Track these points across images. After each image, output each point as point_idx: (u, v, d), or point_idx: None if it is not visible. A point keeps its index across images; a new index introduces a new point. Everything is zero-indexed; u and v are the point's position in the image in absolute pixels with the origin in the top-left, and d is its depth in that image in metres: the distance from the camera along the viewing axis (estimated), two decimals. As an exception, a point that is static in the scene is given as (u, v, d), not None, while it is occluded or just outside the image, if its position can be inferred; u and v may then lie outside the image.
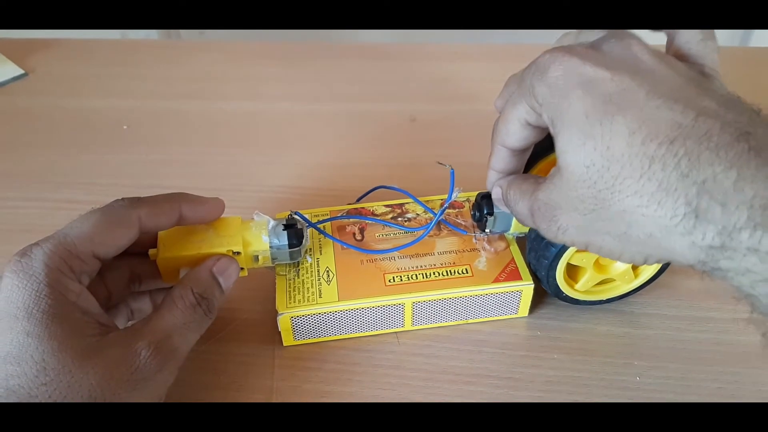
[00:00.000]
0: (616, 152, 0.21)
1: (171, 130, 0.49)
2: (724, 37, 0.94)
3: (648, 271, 0.33)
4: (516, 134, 0.27)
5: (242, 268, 0.31)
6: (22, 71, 0.55)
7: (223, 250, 0.30)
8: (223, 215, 0.31)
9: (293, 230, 0.31)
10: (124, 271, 0.31)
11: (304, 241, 0.32)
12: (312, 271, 0.33)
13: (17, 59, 0.56)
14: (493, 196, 0.30)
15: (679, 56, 0.26)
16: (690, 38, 0.26)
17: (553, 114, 0.23)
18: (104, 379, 0.23)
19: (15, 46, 0.58)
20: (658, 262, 0.23)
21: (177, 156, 0.46)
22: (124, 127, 0.49)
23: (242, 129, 0.50)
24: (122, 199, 0.28)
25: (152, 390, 0.25)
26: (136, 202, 0.28)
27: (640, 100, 0.21)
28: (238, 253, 0.30)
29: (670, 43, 0.27)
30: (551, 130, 0.24)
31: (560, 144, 0.23)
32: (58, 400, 0.22)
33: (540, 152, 0.35)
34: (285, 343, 0.32)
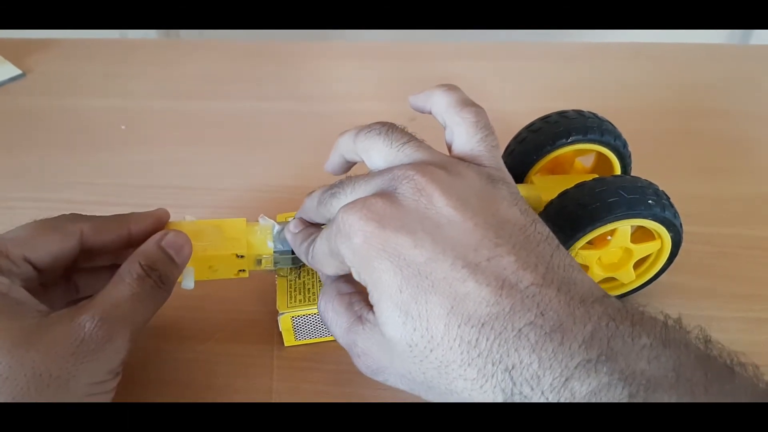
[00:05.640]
0: (436, 335, 0.21)
1: (170, 129, 0.49)
2: (724, 36, 0.94)
3: (651, 272, 0.33)
4: (333, 271, 0.26)
5: (243, 270, 0.31)
6: (19, 71, 0.55)
7: (227, 253, 0.30)
8: (226, 217, 0.31)
9: None
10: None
11: None
12: (312, 273, 0.32)
13: (15, 59, 0.56)
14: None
15: (461, 158, 0.26)
16: (468, 139, 0.26)
17: (367, 280, 0.23)
18: (48, 356, 0.23)
19: (12, 46, 0.58)
20: None
21: (176, 156, 0.46)
22: (122, 127, 0.49)
23: (242, 129, 0.49)
24: (70, 213, 0.29)
25: (103, 362, 0.24)
26: (80, 216, 0.29)
27: (446, 271, 0.21)
28: (242, 256, 0.30)
29: (449, 147, 0.27)
30: (368, 294, 0.23)
31: (379, 315, 0.23)
32: None
33: (539, 151, 0.35)
34: (286, 344, 0.32)
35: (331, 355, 0.32)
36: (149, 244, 0.28)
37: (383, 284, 0.22)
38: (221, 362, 0.32)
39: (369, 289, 0.23)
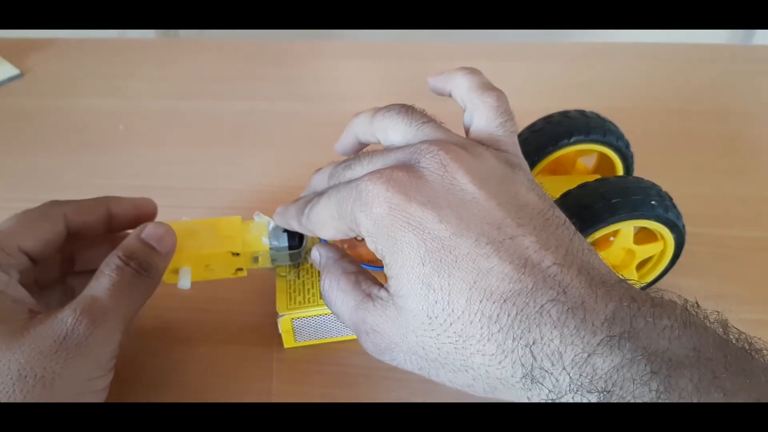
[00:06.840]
0: (457, 309, 0.21)
1: (168, 129, 0.49)
2: (725, 35, 0.94)
3: (653, 274, 0.33)
4: (331, 234, 0.26)
5: (241, 269, 0.31)
6: (18, 71, 0.54)
7: (222, 250, 0.30)
8: (223, 215, 0.31)
9: (293, 232, 0.31)
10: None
11: (304, 243, 0.31)
12: (312, 272, 0.32)
13: (13, 59, 0.56)
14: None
15: (479, 141, 0.26)
16: (488, 123, 0.26)
17: (385, 252, 0.23)
18: (32, 355, 0.23)
19: (11, 46, 0.57)
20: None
21: (174, 156, 0.46)
22: (120, 127, 0.49)
23: (241, 129, 0.49)
24: (50, 201, 0.29)
25: (90, 357, 0.24)
26: (60, 201, 0.29)
27: (470, 247, 0.21)
28: (238, 254, 0.30)
29: (467, 129, 0.27)
30: (384, 265, 0.23)
31: (398, 288, 0.22)
32: None
33: (541, 152, 0.35)
34: (286, 345, 0.32)
35: (331, 357, 0.32)
36: (129, 238, 0.28)
37: (405, 256, 0.22)
38: (220, 364, 0.32)
39: (386, 260, 0.23)
